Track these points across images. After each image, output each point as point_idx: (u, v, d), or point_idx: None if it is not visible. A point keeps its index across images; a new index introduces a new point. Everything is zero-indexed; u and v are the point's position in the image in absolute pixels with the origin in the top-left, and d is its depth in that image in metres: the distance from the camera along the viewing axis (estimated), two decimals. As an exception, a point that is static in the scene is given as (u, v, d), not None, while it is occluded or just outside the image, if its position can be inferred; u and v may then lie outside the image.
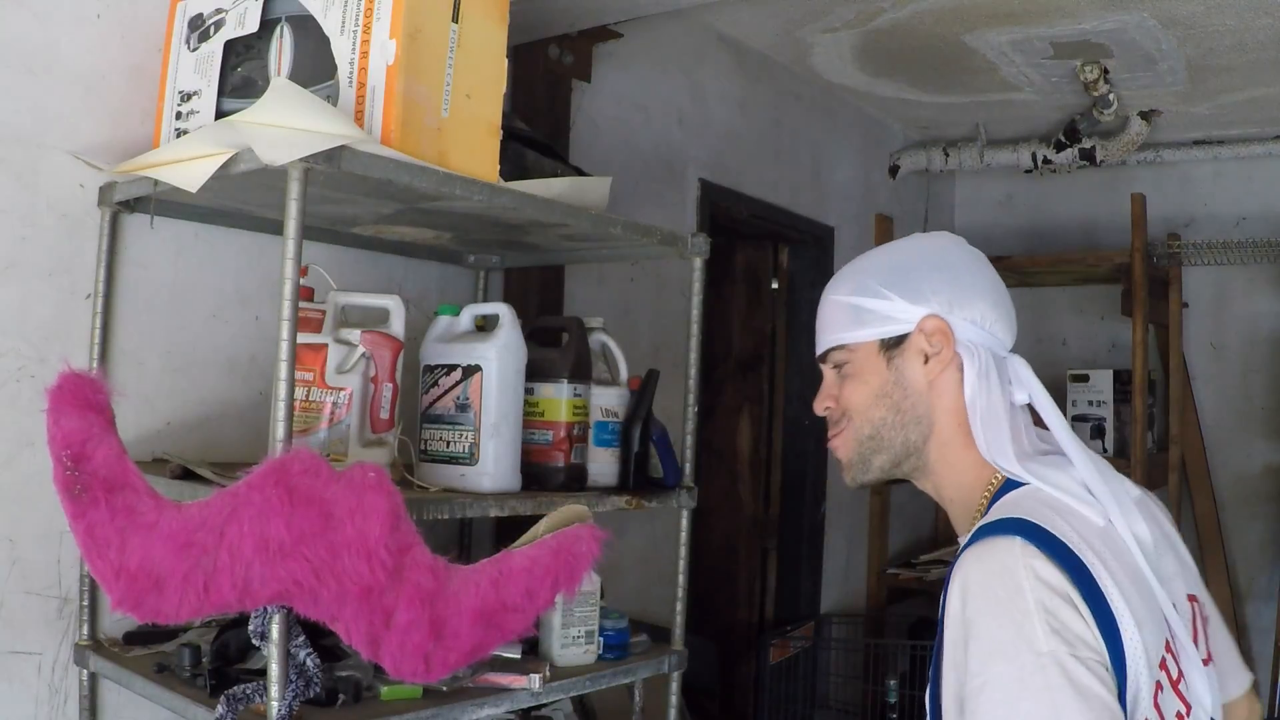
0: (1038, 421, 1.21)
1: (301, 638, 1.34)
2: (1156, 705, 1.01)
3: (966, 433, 1.17)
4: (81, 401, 1.23)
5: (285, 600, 1.26)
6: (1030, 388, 1.19)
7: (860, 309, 1.19)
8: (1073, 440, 1.14)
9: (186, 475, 1.53)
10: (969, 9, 2.88)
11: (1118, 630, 0.98)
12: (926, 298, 1.17)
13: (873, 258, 1.25)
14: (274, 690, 1.30)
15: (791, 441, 3.78)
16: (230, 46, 1.60)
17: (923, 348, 1.17)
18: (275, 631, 1.30)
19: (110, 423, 1.25)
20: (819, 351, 1.25)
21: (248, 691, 1.37)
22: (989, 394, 1.16)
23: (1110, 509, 1.08)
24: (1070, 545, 1.01)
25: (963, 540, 1.13)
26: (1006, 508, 1.08)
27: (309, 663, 1.34)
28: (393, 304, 1.68)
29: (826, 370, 1.25)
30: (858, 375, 1.20)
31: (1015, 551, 1.00)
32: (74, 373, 1.24)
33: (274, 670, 1.30)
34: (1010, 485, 1.13)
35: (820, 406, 1.26)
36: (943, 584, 1.07)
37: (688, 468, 1.95)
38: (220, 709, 1.34)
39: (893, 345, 1.19)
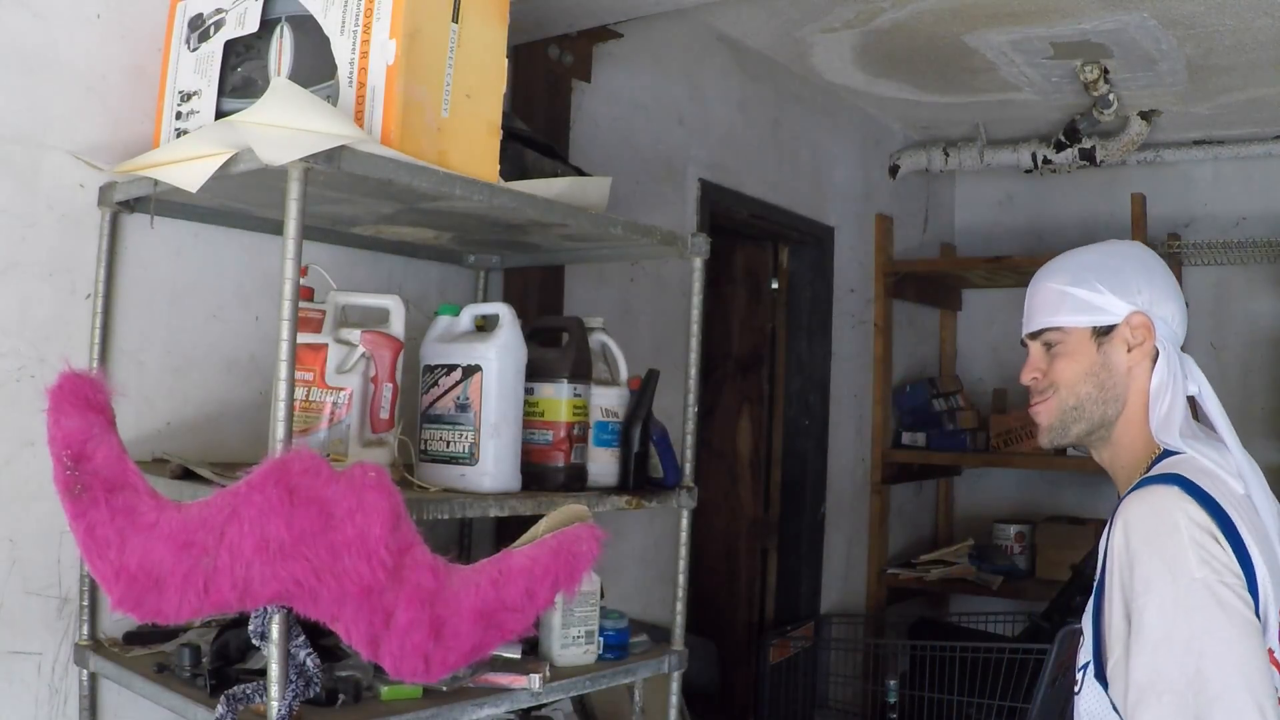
0: (1195, 415, 1.43)
1: (301, 638, 1.34)
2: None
3: (1147, 412, 1.38)
4: (82, 401, 1.23)
5: (285, 600, 1.26)
6: (1199, 382, 1.41)
7: (1077, 298, 1.39)
8: (1228, 428, 1.38)
9: (186, 475, 1.53)
10: (969, 9, 2.88)
11: (1253, 568, 1.21)
12: (1134, 296, 1.38)
13: (1086, 254, 1.44)
14: (274, 690, 1.30)
15: (791, 441, 3.77)
16: (230, 46, 1.60)
17: (1127, 338, 1.38)
18: (275, 631, 1.30)
19: (111, 423, 1.25)
20: (1031, 330, 1.45)
21: (248, 691, 1.37)
22: (1174, 383, 1.37)
23: (1251, 484, 1.34)
24: (1216, 497, 1.25)
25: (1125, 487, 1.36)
26: (1165, 467, 1.32)
27: (309, 663, 1.34)
28: (393, 304, 1.68)
29: (1034, 346, 1.45)
30: (1069, 354, 1.40)
31: (1172, 496, 1.24)
32: (74, 373, 1.24)
33: (274, 670, 1.30)
34: (1169, 455, 1.35)
35: (1027, 377, 1.45)
36: (1106, 526, 1.29)
37: (688, 468, 1.95)
38: (220, 709, 1.34)
39: (1103, 332, 1.39)
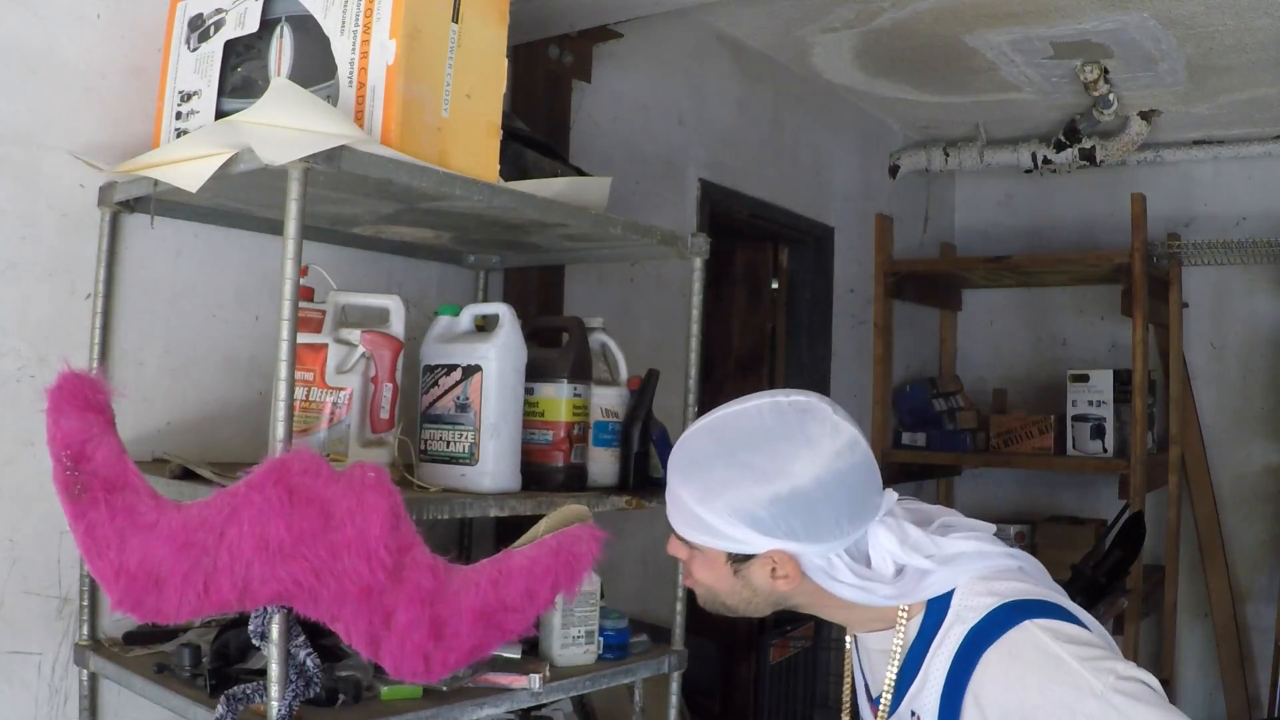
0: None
1: (301, 638, 1.33)
2: None
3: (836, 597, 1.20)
4: (81, 401, 1.22)
5: (285, 600, 1.26)
6: (899, 554, 1.18)
7: (706, 522, 1.18)
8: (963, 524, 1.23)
9: (186, 475, 1.53)
10: (969, 9, 2.88)
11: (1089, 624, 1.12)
12: (769, 530, 1.15)
13: (717, 458, 1.19)
14: (274, 690, 1.30)
15: (791, 441, 3.77)
16: (230, 46, 1.60)
17: (771, 566, 1.19)
18: (275, 631, 1.30)
19: (110, 423, 1.25)
20: (669, 521, 1.25)
21: (248, 691, 1.37)
22: (858, 591, 1.17)
23: (1005, 551, 1.20)
24: (1038, 596, 1.12)
25: (863, 631, 1.25)
26: (973, 606, 1.13)
27: (309, 663, 1.34)
28: (393, 304, 1.68)
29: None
30: (706, 565, 1.23)
31: (1033, 631, 1.08)
32: (74, 372, 1.24)
33: (274, 670, 1.30)
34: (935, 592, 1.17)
35: (672, 553, 1.28)
36: (938, 688, 1.12)
37: (688, 468, 1.95)
38: (220, 709, 1.34)
39: (739, 560, 1.20)
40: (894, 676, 1.19)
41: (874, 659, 1.27)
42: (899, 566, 1.18)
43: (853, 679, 1.38)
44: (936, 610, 1.17)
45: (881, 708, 1.22)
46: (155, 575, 1.20)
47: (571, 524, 1.48)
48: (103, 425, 1.24)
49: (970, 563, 1.17)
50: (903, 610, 1.19)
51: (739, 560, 1.19)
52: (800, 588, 1.20)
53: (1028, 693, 1.05)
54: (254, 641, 1.35)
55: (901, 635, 1.19)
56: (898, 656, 1.19)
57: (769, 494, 1.14)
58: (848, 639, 1.36)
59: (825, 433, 1.18)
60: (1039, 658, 1.06)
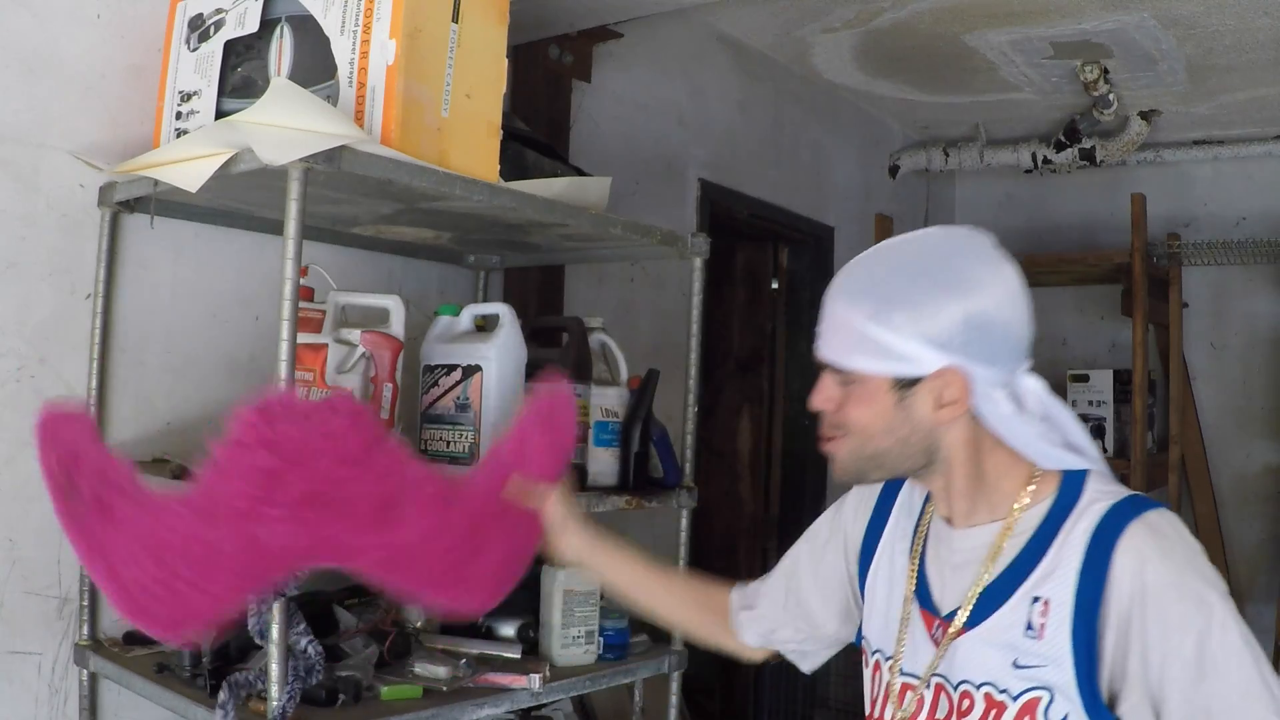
0: None
1: (303, 625, 1.33)
2: None
3: (983, 447, 1.16)
4: (67, 421, 1.21)
5: (308, 554, 1.22)
6: (1045, 407, 1.17)
7: (874, 340, 1.11)
8: (1095, 455, 1.19)
9: (186, 475, 1.53)
10: (969, 9, 2.88)
11: None
12: (946, 342, 1.10)
13: (891, 271, 1.14)
14: (274, 672, 1.30)
15: (791, 441, 3.77)
16: (230, 46, 1.60)
17: (937, 392, 1.12)
18: (276, 615, 1.29)
19: (96, 436, 1.23)
20: (821, 357, 1.17)
21: (249, 678, 1.36)
22: (1017, 427, 1.14)
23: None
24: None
25: (964, 524, 1.18)
26: (1107, 491, 1.13)
27: (310, 650, 1.34)
28: (393, 304, 1.68)
29: (827, 372, 1.17)
30: (863, 400, 1.14)
31: (1171, 518, 1.10)
32: (52, 407, 1.23)
33: (273, 652, 1.30)
34: (1067, 475, 1.16)
35: (817, 405, 1.19)
36: (1081, 558, 1.09)
37: (688, 468, 1.95)
38: (222, 694, 1.34)
39: (905, 384, 1.12)
40: (1009, 563, 1.14)
41: (959, 561, 1.20)
42: (1045, 414, 1.16)
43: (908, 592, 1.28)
44: (1069, 491, 1.14)
45: (960, 615, 1.16)
46: (171, 569, 1.15)
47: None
48: (85, 433, 1.22)
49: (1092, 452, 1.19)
50: (1024, 492, 1.16)
51: (905, 386, 1.12)
52: (956, 428, 1.14)
53: (1167, 570, 1.06)
54: (255, 639, 1.35)
55: (1014, 520, 1.15)
56: (1022, 538, 1.14)
57: (951, 306, 1.10)
58: (914, 553, 1.26)
59: (1003, 257, 1.15)
60: (1179, 540, 1.09)
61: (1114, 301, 3.86)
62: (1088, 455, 1.17)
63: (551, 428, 1.40)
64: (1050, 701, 1.08)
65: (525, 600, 1.86)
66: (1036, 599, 1.11)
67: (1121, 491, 1.14)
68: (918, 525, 1.27)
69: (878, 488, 1.36)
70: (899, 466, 1.18)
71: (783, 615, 1.45)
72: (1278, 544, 3.90)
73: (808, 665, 1.47)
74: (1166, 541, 1.08)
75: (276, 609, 1.29)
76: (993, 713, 1.12)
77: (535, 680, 1.62)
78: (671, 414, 2.00)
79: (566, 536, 1.42)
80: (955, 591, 1.19)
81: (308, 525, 1.19)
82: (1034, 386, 1.17)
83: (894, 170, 4.16)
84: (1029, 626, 1.10)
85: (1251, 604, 3.93)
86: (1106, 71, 3.25)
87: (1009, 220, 4.54)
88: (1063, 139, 3.84)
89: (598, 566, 1.47)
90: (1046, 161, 3.94)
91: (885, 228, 4.04)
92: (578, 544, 1.43)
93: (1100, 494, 1.13)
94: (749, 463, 3.84)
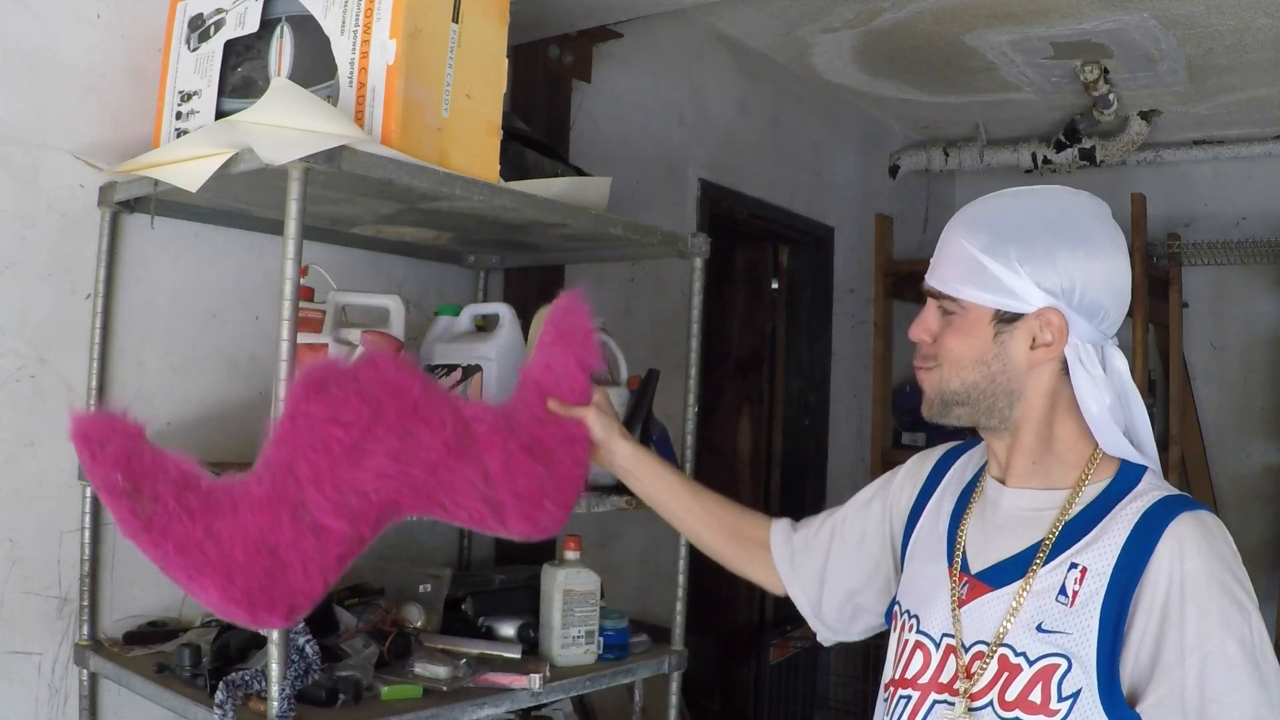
0: None
1: (301, 624, 1.33)
2: None
3: (1059, 408, 1.19)
4: (107, 426, 1.16)
5: (391, 506, 1.23)
6: (1123, 384, 1.20)
7: (986, 271, 1.15)
8: (1150, 441, 1.22)
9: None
10: (969, 9, 2.88)
11: None
12: (1055, 286, 1.14)
13: (1016, 212, 1.18)
14: (274, 671, 1.30)
15: (791, 441, 3.78)
16: (230, 46, 1.60)
17: (1034, 333, 1.16)
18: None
19: (142, 432, 1.18)
20: (931, 284, 1.20)
21: (246, 678, 1.36)
22: (1096, 391, 1.17)
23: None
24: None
25: (1019, 484, 1.20)
26: (1154, 485, 1.16)
27: (308, 649, 1.34)
28: (393, 304, 1.68)
29: (931, 302, 1.21)
30: (962, 330, 1.18)
31: (1217, 523, 1.12)
32: (81, 416, 1.17)
33: (273, 652, 1.30)
34: (1128, 464, 1.19)
35: (916, 334, 1.23)
36: (1126, 539, 1.11)
37: (688, 468, 1.95)
38: (220, 694, 1.34)
39: (1006, 319, 1.16)
40: (1058, 528, 1.16)
41: (1003, 521, 1.21)
42: (1121, 389, 1.20)
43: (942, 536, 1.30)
44: (1126, 478, 1.17)
45: (992, 573, 1.18)
46: (269, 549, 1.13)
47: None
48: (138, 434, 1.17)
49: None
50: (1089, 468, 1.18)
51: (1005, 321, 1.16)
52: (1041, 377, 1.17)
53: (1211, 565, 1.08)
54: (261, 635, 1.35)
55: (1079, 491, 1.17)
56: (1077, 505, 1.16)
57: (1065, 254, 1.14)
58: (963, 519, 1.27)
59: (1118, 228, 1.21)
60: (1225, 541, 1.11)
61: (1114, 301, 3.86)
62: (1146, 453, 1.20)
63: (571, 340, 1.44)
64: (1066, 671, 1.08)
65: (525, 600, 1.86)
66: (1074, 565, 1.12)
67: (1176, 490, 1.16)
68: (966, 492, 1.29)
69: (931, 461, 1.39)
70: (981, 405, 1.19)
71: (818, 587, 1.47)
72: (1278, 544, 3.90)
73: (827, 636, 1.49)
74: (1213, 538, 1.10)
75: None
76: (1005, 674, 1.12)
77: (535, 680, 1.62)
78: (671, 414, 2.00)
79: (613, 443, 1.48)
80: (994, 552, 1.20)
81: (390, 479, 1.21)
82: (1119, 362, 1.21)
83: (894, 170, 4.16)
84: (1062, 591, 1.11)
85: (1251, 604, 3.93)
86: (1106, 71, 3.25)
87: (1009, 220, 4.54)
88: (1063, 139, 3.84)
89: (643, 474, 1.52)
90: (1046, 161, 3.94)
91: (885, 228, 4.05)
92: (625, 451, 1.50)
93: (1155, 486, 1.16)
94: (749, 463, 3.84)
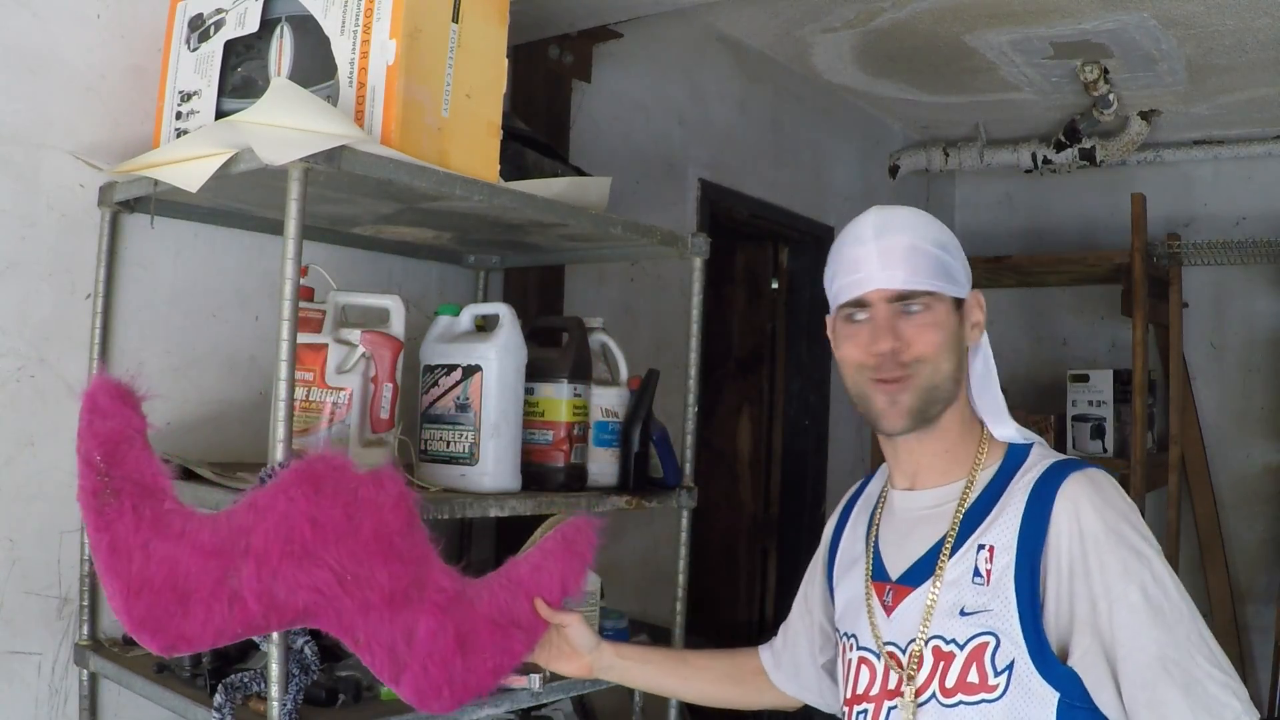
0: None
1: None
2: None
3: (966, 392, 1.30)
4: (119, 401, 1.18)
5: (310, 615, 1.23)
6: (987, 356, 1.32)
7: (948, 265, 1.25)
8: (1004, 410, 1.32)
9: (186, 476, 1.53)
10: (969, 9, 2.88)
11: None
12: (966, 271, 1.28)
13: (924, 217, 1.30)
14: (274, 671, 1.30)
15: (791, 441, 3.77)
16: (230, 46, 1.60)
17: (970, 313, 1.28)
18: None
19: (145, 427, 1.21)
20: (901, 288, 1.24)
21: (245, 680, 1.36)
22: (990, 363, 1.30)
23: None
24: None
25: (924, 485, 1.29)
26: (1043, 454, 1.26)
27: (307, 650, 1.34)
28: (393, 304, 1.68)
29: (884, 309, 1.24)
30: (935, 324, 1.23)
31: (1109, 476, 1.20)
32: (108, 377, 1.21)
33: (273, 652, 1.30)
34: (1014, 444, 1.28)
35: (886, 344, 1.23)
36: (1016, 511, 1.19)
37: (688, 468, 1.95)
38: (218, 698, 1.34)
39: (958, 305, 1.27)
40: (959, 516, 1.23)
41: (914, 520, 1.28)
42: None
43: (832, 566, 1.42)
44: (1016, 456, 1.26)
45: (909, 574, 1.24)
46: (181, 589, 1.15)
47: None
48: (139, 427, 1.19)
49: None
50: (980, 455, 1.27)
51: (958, 307, 1.26)
52: (965, 354, 1.28)
53: (1105, 518, 1.14)
54: (255, 640, 1.35)
55: (974, 477, 1.25)
56: (975, 491, 1.24)
57: (956, 244, 1.28)
58: (870, 534, 1.35)
59: None
60: (1116, 494, 1.17)
61: (1114, 301, 3.86)
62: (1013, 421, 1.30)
63: (570, 561, 1.43)
64: (996, 647, 1.14)
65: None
66: (982, 546, 1.19)
67: (1063, 455, 1.25)
68: (875, 506, 1.37)
69: (846, 498, 1.48)
70: (945, 395, 1.25)
71: (815, 677, 1.50)
72: (1278, 544, 3.90)
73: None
74: (1104, 493, 1.16)
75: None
76: (941, 664, 1.18)
77: (535, 680, 1.62)
78: (671, 414, 2.00)
79: (599, 651, 1.49)
80: (907, 554, 1.27)
81: (324, 596, 1.21)
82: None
83: (894, 170, 4.16)
84: (976, 573, 1.18)
85: (1252, 604, 3.93)
86: (1106, 71, 3.25)
87: (1009, 220, 4.54)
88: (1063, 139, 3.84)
89: (632, 668, 1.54)
90: (1046, 161, 3.94)
91: (885, 228, 4.04)
92: (609, 653, 1.50)
93: (1044, 457, 1.24)
94: (749, 463, 3.84)
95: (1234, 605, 3.89)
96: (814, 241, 3.71)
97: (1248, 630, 3.88)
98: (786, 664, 1.52)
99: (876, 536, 1.33)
